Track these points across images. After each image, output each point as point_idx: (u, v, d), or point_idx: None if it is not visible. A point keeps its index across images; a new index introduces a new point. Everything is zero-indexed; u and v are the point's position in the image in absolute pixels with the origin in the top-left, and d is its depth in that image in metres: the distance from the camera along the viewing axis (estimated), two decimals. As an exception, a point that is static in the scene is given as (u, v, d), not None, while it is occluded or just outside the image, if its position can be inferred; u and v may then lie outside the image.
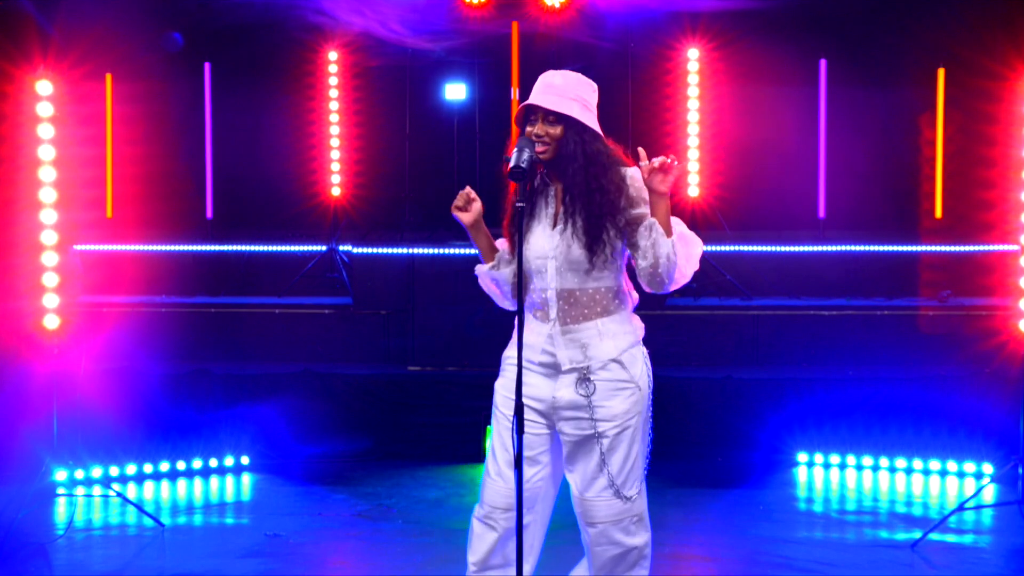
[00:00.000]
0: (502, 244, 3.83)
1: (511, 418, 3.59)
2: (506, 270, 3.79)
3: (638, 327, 3.75)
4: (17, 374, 6.68)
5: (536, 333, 3.70)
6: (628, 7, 9.10)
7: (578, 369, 3.63)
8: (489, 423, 3.84)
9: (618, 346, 3.65)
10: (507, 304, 3.85)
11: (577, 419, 3.64)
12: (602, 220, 3.59)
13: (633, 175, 3.65)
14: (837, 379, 7.28)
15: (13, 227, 6.39)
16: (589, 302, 3.66)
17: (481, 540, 3.72)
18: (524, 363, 3.66)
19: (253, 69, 9.56)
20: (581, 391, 3.63)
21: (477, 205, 3.71)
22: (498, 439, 3.70)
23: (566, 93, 3.64)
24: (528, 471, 3.68)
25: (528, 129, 3.64)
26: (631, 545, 3.68)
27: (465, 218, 3.72)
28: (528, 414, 3.66)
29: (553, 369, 3.68)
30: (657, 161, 3.49)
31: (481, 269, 3.84)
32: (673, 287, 3.62)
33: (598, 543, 3.68)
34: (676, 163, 3.50)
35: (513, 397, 3.54)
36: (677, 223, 3.62)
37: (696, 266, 3.65)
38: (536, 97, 3.64)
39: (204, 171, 9.27)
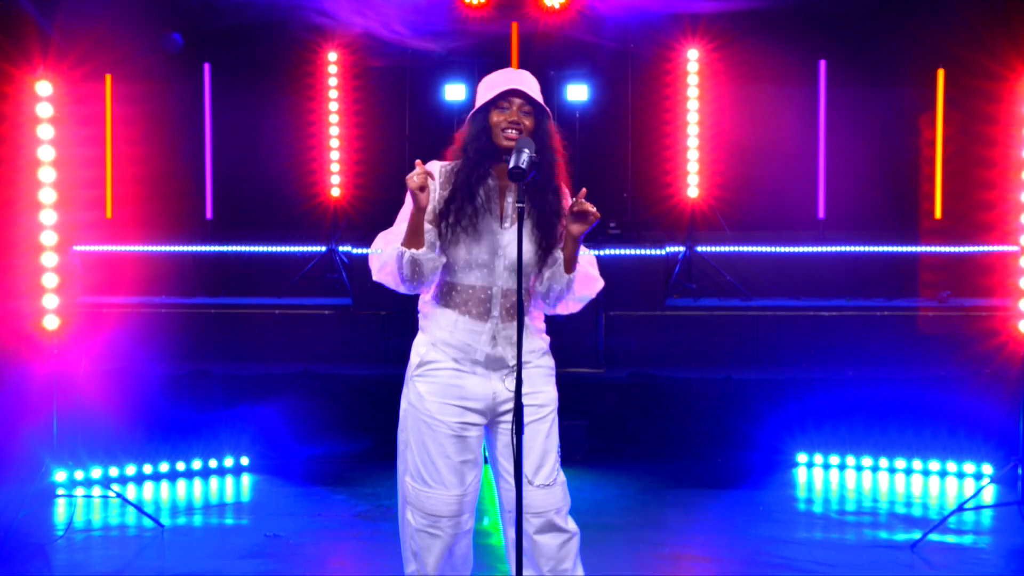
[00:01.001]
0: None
1: (452, 425, 3.60)
2: (430, 255, 3.57)
3: (544, 327, 3.81)
4: (17, 375, 6.68)
5: (470, 331, 3.62)
6: (628, 8, 9.10)
7: (512, 366, 3.58)
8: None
9: (544, 340, 3.74)
10: (401, 288, 3.64)
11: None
12: (559, 217, 3.60)
13: (563, 188, 3.70)
14: (837, 379, 7.28)
15: (13, 228, 6.39)
16: (524, 300, 3.58)
17: (429, 551, 3.65)
18: (456, 365, 3.63)
19: (253, 70, 9.56)
20: (509, 384, 3.57)
21: (430, 184, 3.55)
22: (436, 448, 3.61)
23: (536, 88, 3.65)
24: (469, 475, 3.66)
25: (497, 117, 3.57)
26: (571, 530, 3.69)
27: (423, 199, 3.47)
28: (465, 416, 3.63)
29: (490, 366, 3.64)
30: (587, 205, 3.48)
31: (417, 254, 3.53)
32: (552, 312, 3.74)
33: (543, 532, 3.63)
34: (592, 215, 3.51)
35: (451, 403, 3.59)
36: (587, 262, 3.67)
37: (583, 303, 3.72)
38: (517, 83, 3.60)
39: (204, 172, 9.27)
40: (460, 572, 3.74)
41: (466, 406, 3.63)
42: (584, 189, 3.54)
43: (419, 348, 3.71)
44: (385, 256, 3.61)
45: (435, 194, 3.61)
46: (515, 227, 3.57)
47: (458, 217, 3.58)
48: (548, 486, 3.64)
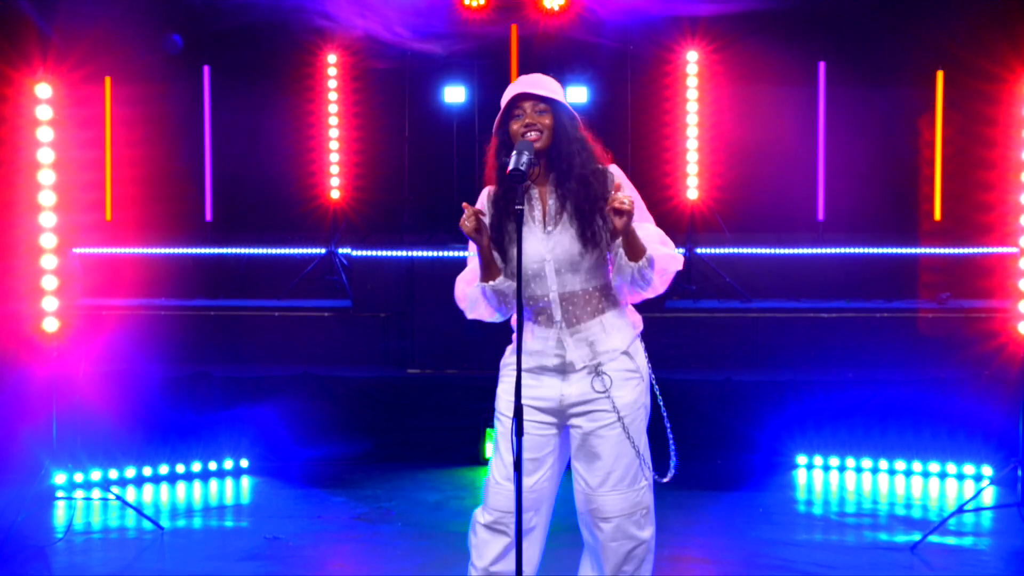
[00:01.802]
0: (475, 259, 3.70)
1: (512, 421, 3.60)
2: (507, 281, 3.67)
3: (637, 321, 3.78)
4: (16, 377, 6.68)
5: (542, 339, 3.68)
6: (627, 10, 9.11)
7: (589, 366, 3.64)
8: (490, 425, 3.83)
9: (624, 339, 3.69)
10: (497, 317, 3.75)
11: (591, 412, 3.64)
12: (595, 204, 3.59)
13: (614, 170, 3.70)
14: (836, 381, 7.28)
15: (12, 230, 6.39)
16: (590, 300, 3.66)
17: (488, 546, 3.69)
18: (534, 370, 3.67)
19: (252, 71, 9.56)
20: (597, 386, 3.63)
21: (484, 222, 3.59)
22: (503, 444, 3.68)
23: (546, 85, 3.68)
24: (534, 474, 3.68)
25: (515, 125, 3.63)
26: (642, 538, 3.68)
27: (482, 241, 3.55)
28: (534, 415, 3.66)
29: (563, 370, 3.67)
30: (618, 199, 3.43)
31: (495, 285, 3.62)
32: (641, 298, 3.69)
33: (613, 539, 3.66)
34: (628, 204, 3.45)
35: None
36: (656, 240, 3.61)
37: (668, 283, 3.66)
38: (523, 88, 3.64)
39: (203, 174, 9.27)
40: (525, 572, 3.72)
41: (533, 405, 3.65)
42: (618, 182, 3.52)
43: (506, 353, 3.81)
44: (471, 296, 3.72)
45: (487, 221, 3.66)
46: (558, 228, 3.63)
47: (502, 234, 3.64)
48: (618, 492, 3.64)
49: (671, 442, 3.77)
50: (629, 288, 3.62)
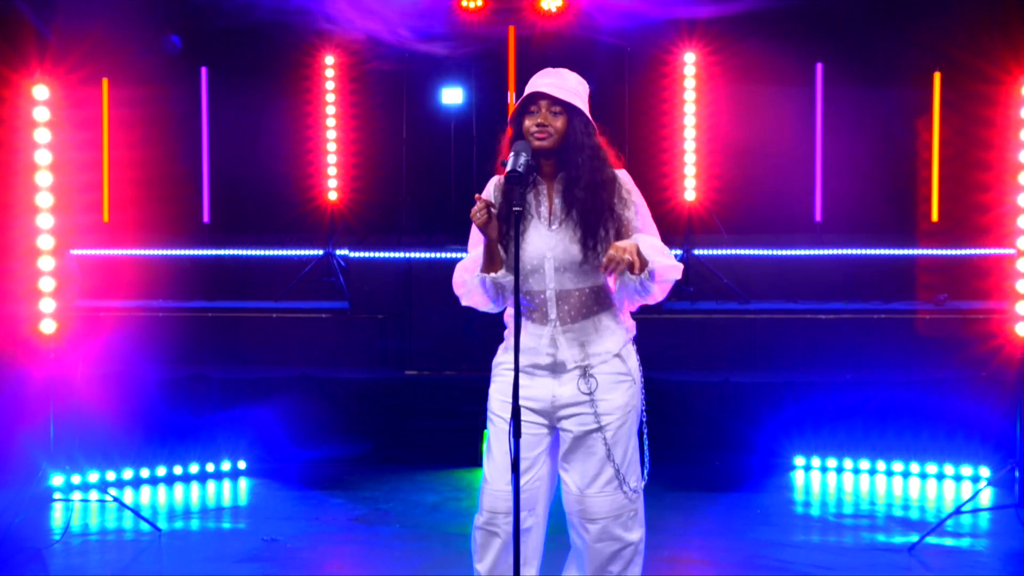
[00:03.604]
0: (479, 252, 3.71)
1: (507, 421, 3.60)
2: (508, 275, 3.68)
3: (631, 325, 3.78)
4: (14, 378, 6.67)
5: (534, 335, 3.69)
6: (625, 12, 9.11)
7: (580, 367, 3.65)
8: (485, 427, 3.83)
9: (616, 342, 3.69)
10: (492, 308, 3.75)
11: (579, 415, 3.65)
12: (601, 215, 3.59)
13: (622, 177, 3.70)
14: (834, 383, 7.28)
15: (10, 231, 6.38)
16: (586, 301, 3.67)
17: (486, 548, 3.70)
18: (528, 369, 3.67)
19: (250, 73, 9.56)
20: (583, 387, 3.64)
21: (494, 214, 3.59)
22: (496, 444, 3.69)
23: (568, 86, 3.66)
24: (526, 473, 3.67)
25: (528, 122, 3.62)
26: (629, 540, 3.69)
27: (491, 233, 3.57)
28: (526, 415, 3.66)
29: (554, 369, 3.68)
30: (611, 255, 3.44)
31: (495, 277, 3.64)
32: (639, 305, 3.70)
33: (599, 539, 3.67)
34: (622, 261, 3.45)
35: (508, 400, 3.56)
36: (658, 252, 3.59)
37: (667, 291, 3.67)
38: (543, 86, 3.64)
39: (201, 175, 9.27)
40: (526, 572, 3.73)
41: (525, 405, 3.65)
42: (613, 256, 3.44)
43: (498, 351, 3.80)
44: (470, 284, 3.72)
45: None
46: (562, 227, 3.62)
47: (508, 227, 3.62)
48: (606, 495, 3.65)
49: (647, 448, 3.77)
50: (629, 297, 3.63)
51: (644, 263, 3.51)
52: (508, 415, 3.57)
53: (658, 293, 3.62)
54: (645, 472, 3.77)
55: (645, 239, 3.61)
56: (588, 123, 3.66)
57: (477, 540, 3.72)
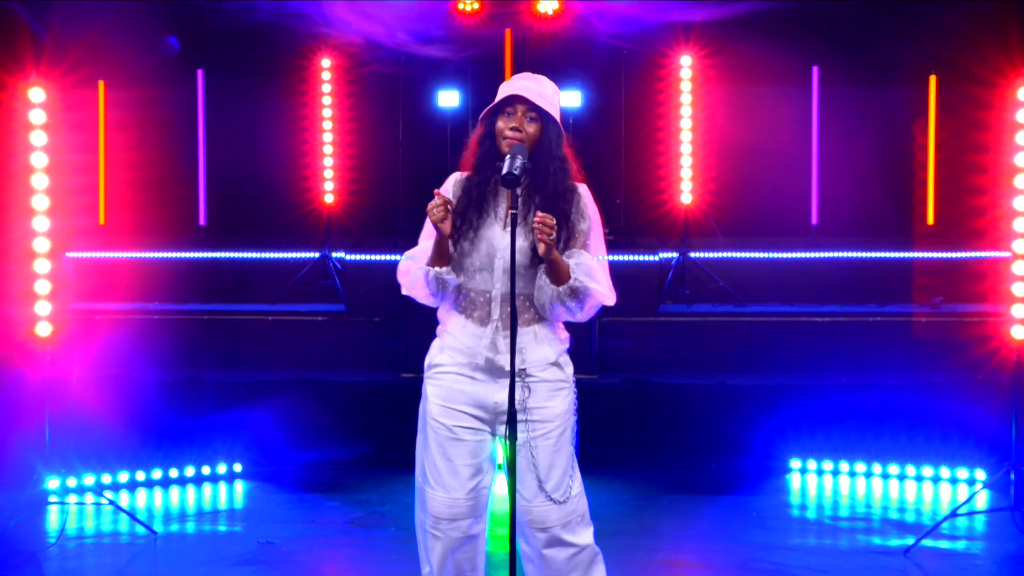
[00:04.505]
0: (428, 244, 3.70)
1: (449, 427, 3.62)
2: (452, 274, 3.65)
3: (566, 337, 3.77)
4: (9, 381, 6.67)
5: (474, 336, 3.65)
6: (621, 15, 9.12)
7: (518, 371, 3.59)
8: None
9: (554, 350, 3.69)
10: (431, 302, 3.73)
11: (520, 422, 3.59)
12: (558, 224, 3.55)
13: (583, 191, 3.70)
14: (830, 385, 7.29)
15: (6, 234, 6.38)
16: (528, 307, 3.64)
17: (433, 552, 3.68)
18: (466, 370, 3.65)
19: (246, 75, 9.56)
20: (521, 395, 3.59)
21: (450, 212, 3.57)
22: (436, 449, 3.65)
23: (545, 94, 3.66)
24: (473, 479, 3.66)
25: (502, 123, 3.61)
26: (581, 544, 3.68)
27: (444, 230, 3.54)
28: (469, 421, 3.65)
29: (491, 372, 3.64)
30: (538, 219, 3.43)
31: (439, 272, 3.62)
32: (558, 319, 3.68)
33: (548, 546, 3.65)
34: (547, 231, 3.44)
35: (451, 406, 3.61)
36: (586, 272, 3.57)
37: (591, 314, 3.66)
38: (523, 90, 3.62)
39: (197, 177, 9.26)
40: None
41: (465, 411, 3.65)
42: (544, 224, 3.44)
43: (432, 351, 3.77)
44: (413, 275, 3.71)
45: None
46: (518, 231, 3.57)
47: (463, 222, 3.62)
48: (554, 502, 3.64)
49: (575, 457, 3.75)
50: (551, 306, 3.61)
51: (565, 277, 3.51)
52: (448, 420, 3.61)
53: (579, 314, 3.60)
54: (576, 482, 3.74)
55: (581, 255, 3.60)
56: (560, 133, 3.66)
57: (426, 543, 3.70)
